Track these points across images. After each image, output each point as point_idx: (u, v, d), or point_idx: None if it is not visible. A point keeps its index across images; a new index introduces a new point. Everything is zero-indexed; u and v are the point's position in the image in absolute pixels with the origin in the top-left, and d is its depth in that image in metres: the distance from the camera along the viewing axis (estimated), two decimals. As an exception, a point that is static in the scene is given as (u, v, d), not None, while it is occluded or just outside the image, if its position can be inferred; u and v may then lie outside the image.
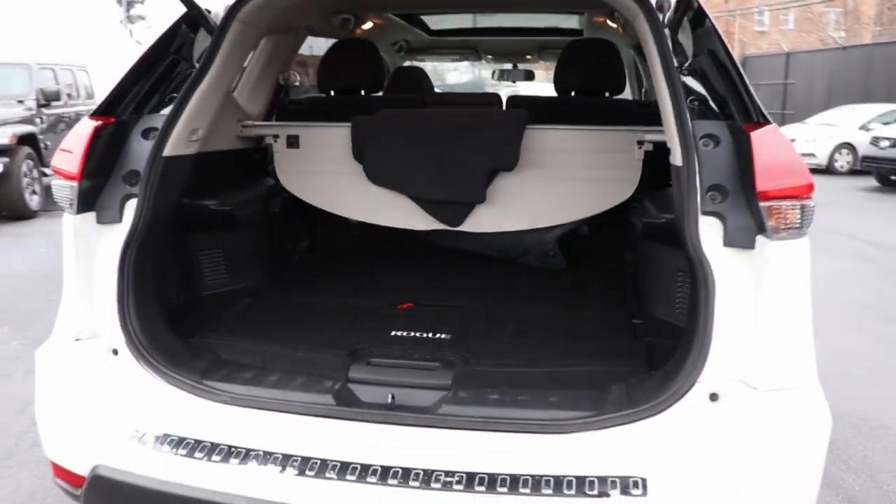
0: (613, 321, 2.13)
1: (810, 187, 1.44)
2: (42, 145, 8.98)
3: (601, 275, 2.66)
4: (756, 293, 1.44)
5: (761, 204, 1.41)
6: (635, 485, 1.37)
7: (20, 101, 8.98)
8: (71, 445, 1.67)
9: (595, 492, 1.35)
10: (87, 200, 1.73)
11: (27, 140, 8.54)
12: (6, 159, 7.97)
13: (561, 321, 2.16)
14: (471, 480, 1.39)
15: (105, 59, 12.24)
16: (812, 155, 14.61)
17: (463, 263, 2.76)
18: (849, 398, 3.40)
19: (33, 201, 8.57)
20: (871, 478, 2.68)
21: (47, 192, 9.15)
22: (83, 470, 1.62)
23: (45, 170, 9.05)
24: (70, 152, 1.71)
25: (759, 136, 1.43)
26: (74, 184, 1.70)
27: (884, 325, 4.57)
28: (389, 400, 1.61)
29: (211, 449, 1.52)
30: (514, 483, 1.38)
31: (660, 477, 1.38)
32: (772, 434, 1.41)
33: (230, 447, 1.53)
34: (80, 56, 11.58)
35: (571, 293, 2.51)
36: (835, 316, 4.76)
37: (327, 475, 1.43)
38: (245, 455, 1.50)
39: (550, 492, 1.35)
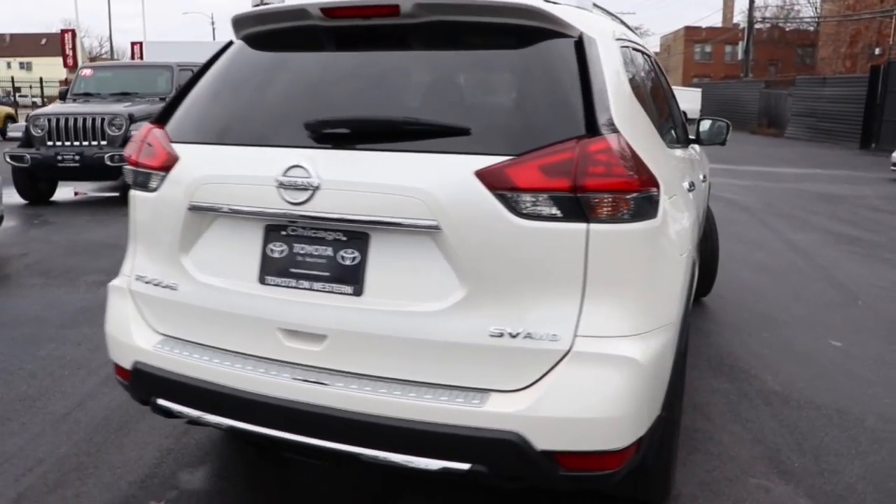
0: None
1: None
2: (178, 137, 10.25)
3: None
4: None
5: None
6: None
7: (162, 99, 10.34)
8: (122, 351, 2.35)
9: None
10: None
11: (166, 133, 9.80)
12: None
13: None
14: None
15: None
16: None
17: None
18: (841, 395, 3.59)
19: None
20: (816, 458, 2.93)
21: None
22: (128, 365, 2.30)
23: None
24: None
25: None
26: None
27: (921, 336, 4.59)
28: None
29: (207, 351, 2.15)
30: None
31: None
32: (590, 361, 1.83)
33: (216, 348, 2.15)
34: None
35: None
36: (872, 323, 4.82)
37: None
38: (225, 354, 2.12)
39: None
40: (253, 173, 2.07)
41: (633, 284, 1.88)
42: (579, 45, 2.04)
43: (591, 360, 1.80)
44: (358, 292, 1.97)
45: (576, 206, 1.80)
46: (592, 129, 1.87)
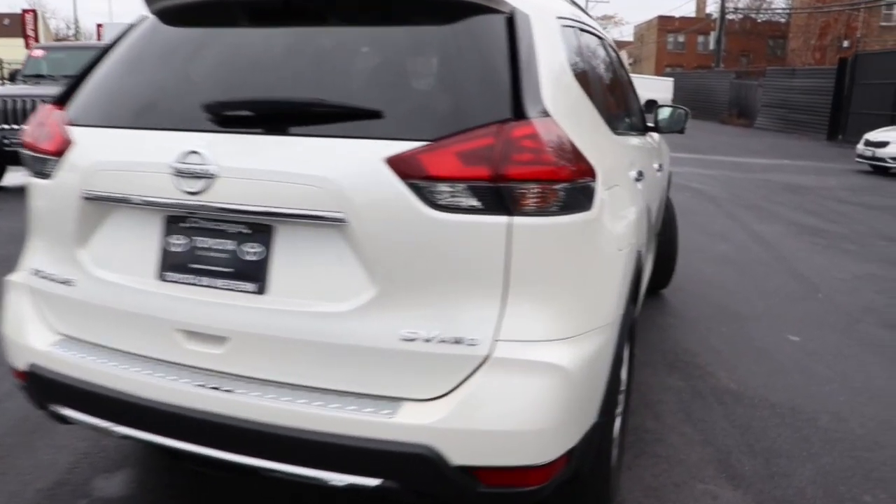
0: None
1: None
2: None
3: None
4: None
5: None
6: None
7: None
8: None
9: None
10: None
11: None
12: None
13: None
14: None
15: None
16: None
17: None
18: (796, 392, 3.50)
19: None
20: (767, 461, 2.82)
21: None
22: (24, 368, 2.10)
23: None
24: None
25: None
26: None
27: (879, 330, 4.52)
28: None
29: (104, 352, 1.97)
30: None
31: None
32: (512, 368, 1.67)
33: (114, 349, 1.97)
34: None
35: None
36: (832, 317, 4.76)
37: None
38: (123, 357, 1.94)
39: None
40: (148, 160, 1.88)
41: (562, 283, 1.73)
42: (510, 21, 1.86)
43: (512, 367, 1.65)
44: (261, 290, 1.79)
45: (497, 198, 1.64)
46: (519, 112, 1.70)
